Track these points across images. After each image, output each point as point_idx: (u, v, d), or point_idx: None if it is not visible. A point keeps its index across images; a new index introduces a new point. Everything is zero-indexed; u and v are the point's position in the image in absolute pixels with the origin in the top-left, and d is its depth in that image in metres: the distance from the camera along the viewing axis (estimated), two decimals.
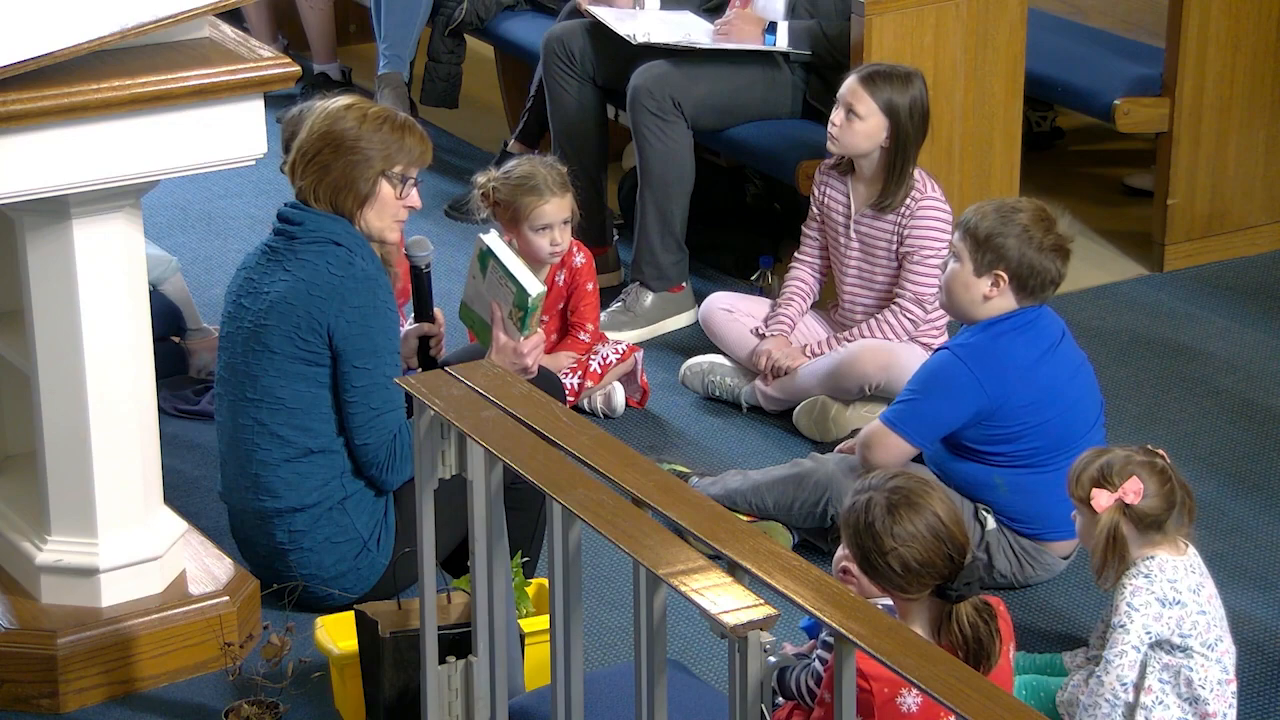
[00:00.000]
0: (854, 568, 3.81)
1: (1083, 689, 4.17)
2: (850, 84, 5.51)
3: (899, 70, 5.53)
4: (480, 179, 5.58)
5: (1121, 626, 4.02)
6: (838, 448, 5.20)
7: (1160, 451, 4.11)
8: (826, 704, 3.76)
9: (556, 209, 5.49)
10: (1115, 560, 4.04)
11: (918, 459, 4.84)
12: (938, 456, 4.84)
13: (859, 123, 5.48)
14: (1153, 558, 4.05)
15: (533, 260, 5.44)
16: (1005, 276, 4.68)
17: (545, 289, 5.04)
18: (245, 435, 4.61)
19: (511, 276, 4.92)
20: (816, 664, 3.98)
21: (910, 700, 3.61)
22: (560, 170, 5.57)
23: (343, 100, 4.67)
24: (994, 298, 4.71)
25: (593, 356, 5.64)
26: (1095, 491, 4.05)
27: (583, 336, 5.64)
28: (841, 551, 3.94)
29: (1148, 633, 4.01)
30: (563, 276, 5.60)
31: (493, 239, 5.06)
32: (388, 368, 4.55)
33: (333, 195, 4.58)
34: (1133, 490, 4.03)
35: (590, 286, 5.66)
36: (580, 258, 5.65)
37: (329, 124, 4.59)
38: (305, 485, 4.59)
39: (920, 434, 4.76)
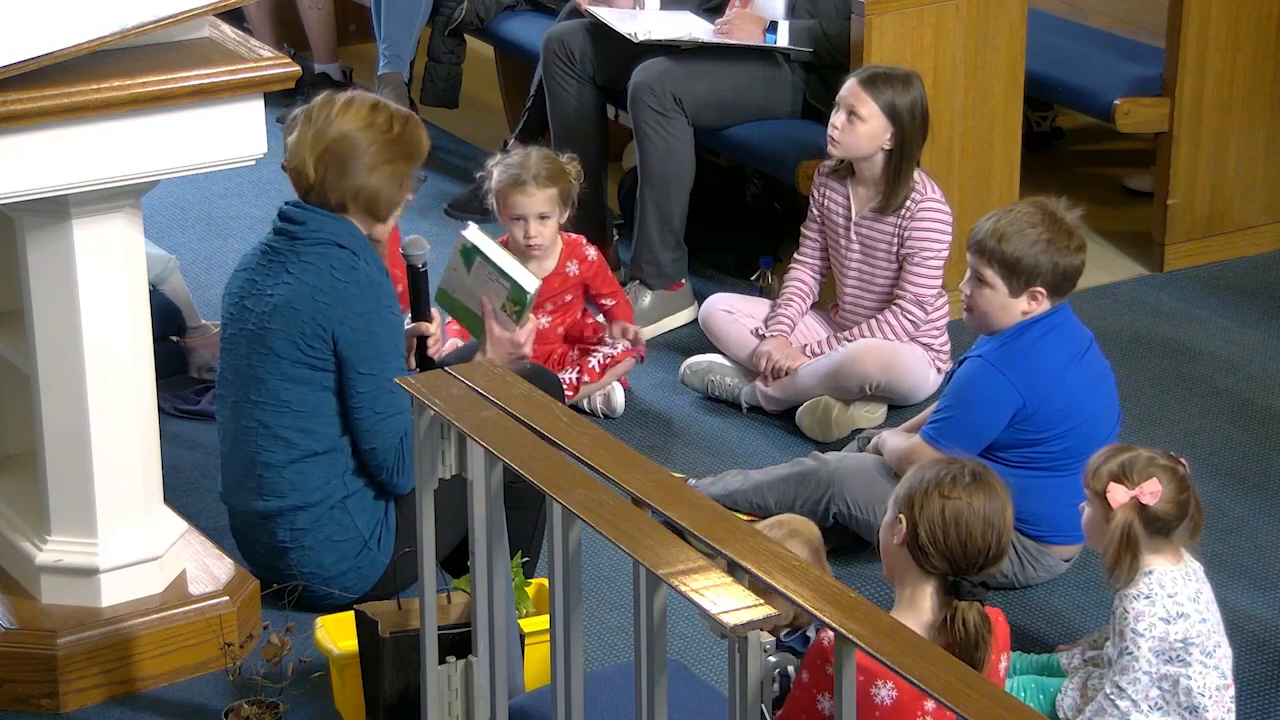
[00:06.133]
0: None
1: (1082, 694, 4.17)
2: (850, 86, 5.50)
3: (898, 72, 5.53)
4: (489, 162, 5.61)
5: (1130, 654, 4.02)
6: (845, 448, 5.20)
7: (1183, 460, 4.11)
8: (804, 684, 3.76)
9: (530, 201, 5.49)
10: (1128, 559, 4.04)
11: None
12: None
13: (861, 125, 5.47)
14: (1150, 572, 4.04)
15: (515, 250, 5.42)
16: (1044, 291, 4.70)
17: (539, 281, 5.00)
18: (249, 437, 4.61)
19: (504, 273, 4.86)
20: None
21: (885, 693, 3.61)
22: (558, 164, 5.55)
23: (362, 101, 4.62)
24: (1033, 310, 4.73)
25: (594, 354, 5.64)
26: (1112, 486, 4.04)
27: (618, 305, 5.72)
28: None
29: (1156, 655, 4.01)
30: (574, 267, 5.61)
31: (474, 234, 4.97)
32: (392, 372, 4.53)
33: (357, 199, 4.55)
34: (1150, 491, 4.02)
35: (608, 273, 5.72)
36: (591, 251, 5.66)
37: (354, 125, 4.55)
38: (308, 485, 4.58)
39: (964, 446, 4.73)
